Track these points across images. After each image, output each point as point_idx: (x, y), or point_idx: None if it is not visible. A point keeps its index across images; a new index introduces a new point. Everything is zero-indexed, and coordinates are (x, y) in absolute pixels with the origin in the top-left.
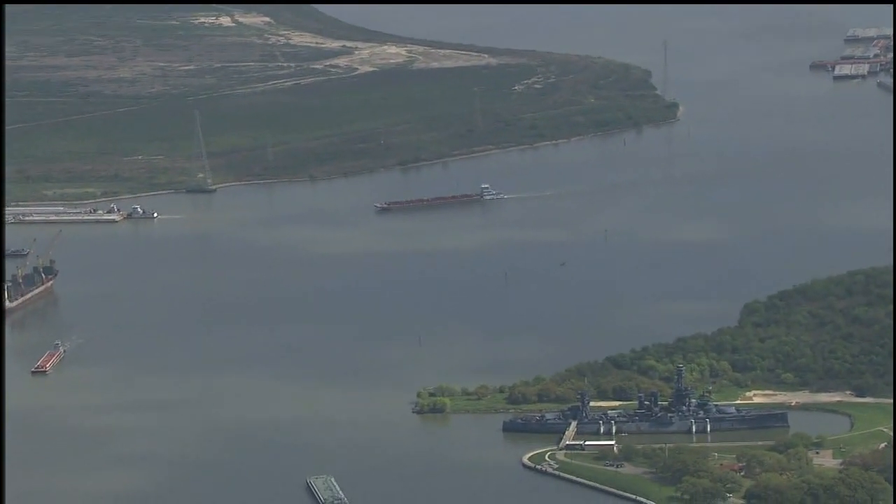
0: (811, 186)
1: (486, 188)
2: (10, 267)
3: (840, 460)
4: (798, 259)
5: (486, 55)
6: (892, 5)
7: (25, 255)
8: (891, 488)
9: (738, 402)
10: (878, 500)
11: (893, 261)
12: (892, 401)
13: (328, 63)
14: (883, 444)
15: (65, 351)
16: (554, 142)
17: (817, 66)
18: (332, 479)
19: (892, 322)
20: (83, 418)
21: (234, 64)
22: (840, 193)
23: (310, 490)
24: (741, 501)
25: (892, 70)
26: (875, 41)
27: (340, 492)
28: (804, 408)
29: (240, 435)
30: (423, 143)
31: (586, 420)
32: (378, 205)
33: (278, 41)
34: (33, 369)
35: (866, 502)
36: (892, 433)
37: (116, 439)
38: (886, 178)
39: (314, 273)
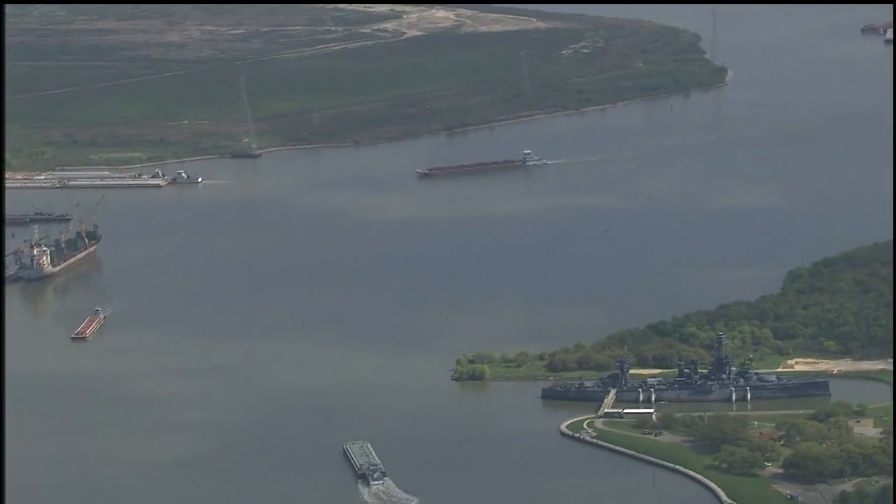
0: (861, 151)
1: (529, 154)
2: (54, 231)
3: (881, 429)
4: (844, 225)
5: (534, 19)
6: (892, 5)
7: (69, 219)
8: None
9: (779, 370)
10: None
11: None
12: None
13: (376, 27)
14: None
15: (105, 317)
16: (601, 107)
17: (868, 30)
18: (369, 445)
19: None
20: (123, 385)
21: (283, 28)
22: (890, 158)
23: (346, 455)
24: (779, 470)
25: None
26: None
27: (376, 458)
28: (846, 376)
29: (281, 401)
30: (469, 107)
31: (625, 388)
32: (419, 171)
33: (327, 5)
34: (73, 335)
35: None
36: None
37: (157, 406)
38: None
39: (356, 239)
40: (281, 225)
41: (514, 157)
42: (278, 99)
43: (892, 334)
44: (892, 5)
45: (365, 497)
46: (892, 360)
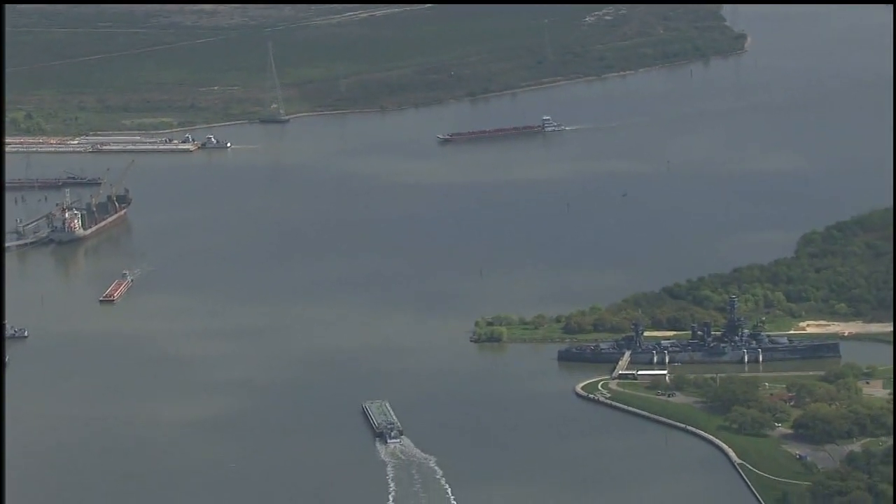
0: (878, 116)
1: (548, 120)
2: (85, 195)
3: (889, 390)
4: (859, 190)
5: None
6: (891, 5)
7: (100, 183)
8: None
9: (791, 332)
10: None
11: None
12: None
13: None
14: None
15: (132, 280)
16: (621, 73)
17: None
18: (387, 405)
19: None
20: (148, 346)
21: None
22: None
23: (365, 415)
24: (789, 431)
25: None
26: None
27: (394, 417)
28: (856, 338)
29: (305, 362)
30: (492, 74)
31: (640, 350)
32: (440, 136)
33: None
34: (101, 298)
35: None
36: None
37: (183, 367)
38: None
39: (380, 203)
40: (308, 189)
41: (533, 123)
42: (306, 65)
43: None
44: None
45: (382, 455)
46: None
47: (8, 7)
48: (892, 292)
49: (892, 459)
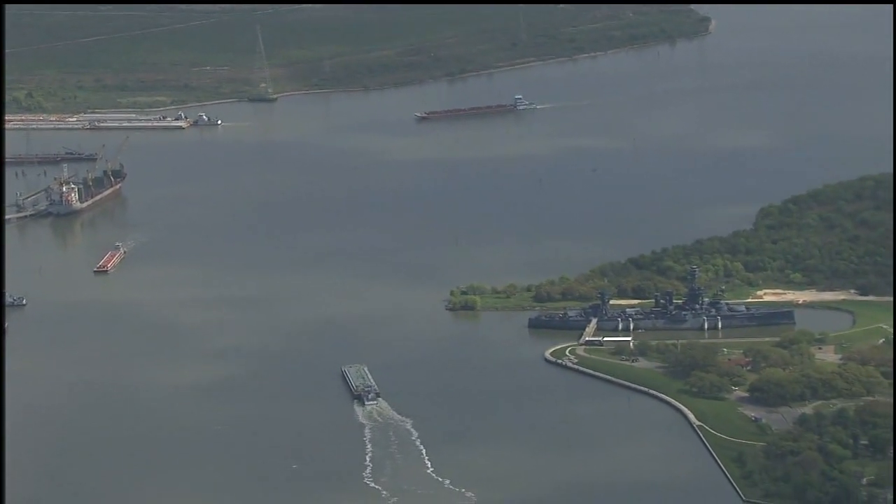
0: (838, 95)
1: (520, 99)
2: (82, 170)
3: (840, 356)
4: (816, 165)
5: None
6: (891, 5)
7: (96, 159)
8: (886, 382)
9: (749, 300)
10: (874, 392)
11: (893, 167)
12: (892, 299)
13: None
14: (881, 340)
15: (125, 252)
16: (592, 55)
17: None
18: (365, 369)
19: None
20: (139, 315)
21: None
22: (866, 102)
23: (344, 378)
24: (745, 394)
25: None
26: None
27: (372, 380)
28: (810, 306)
29: (291, 329)
30: (469, 55)
31: (606, 317)
32: (418, 114)
33: None
34: (95, 269)
35: (862, 394)
36: (892, 342)
37: (172, 334)
38: None
39: (361, 178)
40: (294, 165)
41: (505, 102)
42: (293, 47)
43: (854, 267)
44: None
45: (360, 417)
46: (853, 291)
47: None
48: (844, 263)
49: (843, 420)
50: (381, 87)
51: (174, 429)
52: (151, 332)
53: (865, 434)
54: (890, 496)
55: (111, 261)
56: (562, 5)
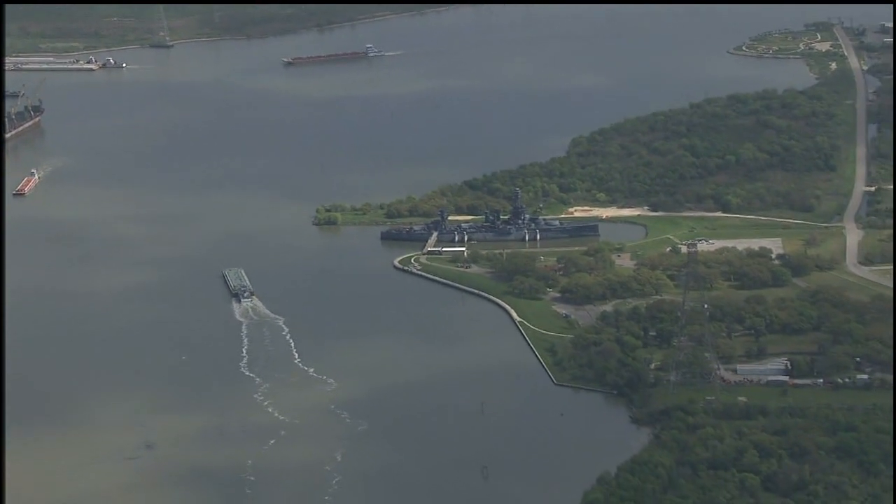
0: (671, 43)
1: (370, 47)
2: (7, 106)
3: (635, 262)
4: (625, 102)
5: None
6: (891, 5)
7: (17, 96)
8: (672, 283)
9: (562, 216)
10: (661, 292)
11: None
12: (678, 214)
13: None
14: (668, 249)
15: (40, 177)
16: (437, 9)
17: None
18: (242, 272)
19: (685, 154)
20: (52, 230)
21: None
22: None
23: (224, 279)
24: (558, 294)
25: None
26: None
27: (248, 281)
28: (611, 221)
29: (184, 240)
30: (336, 9)
31: (445, 231)
32: (285, 59)
33: None
34: (14, 192)
35: (652, 294)
36: None
37: (81, 248)
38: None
39: (243, 114)
40: (189, 103)
41: (358, 50)
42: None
43: (647, 188)
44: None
45: (237, 314)
46: (647, 208)
47: None
48: (639, 184)
49: (636, 316)
50: (262, 36)
51: (93, 329)
52: (64, 246)
53: (654, 327)
54: (672, 377)
55: (28, 185)
56: None
